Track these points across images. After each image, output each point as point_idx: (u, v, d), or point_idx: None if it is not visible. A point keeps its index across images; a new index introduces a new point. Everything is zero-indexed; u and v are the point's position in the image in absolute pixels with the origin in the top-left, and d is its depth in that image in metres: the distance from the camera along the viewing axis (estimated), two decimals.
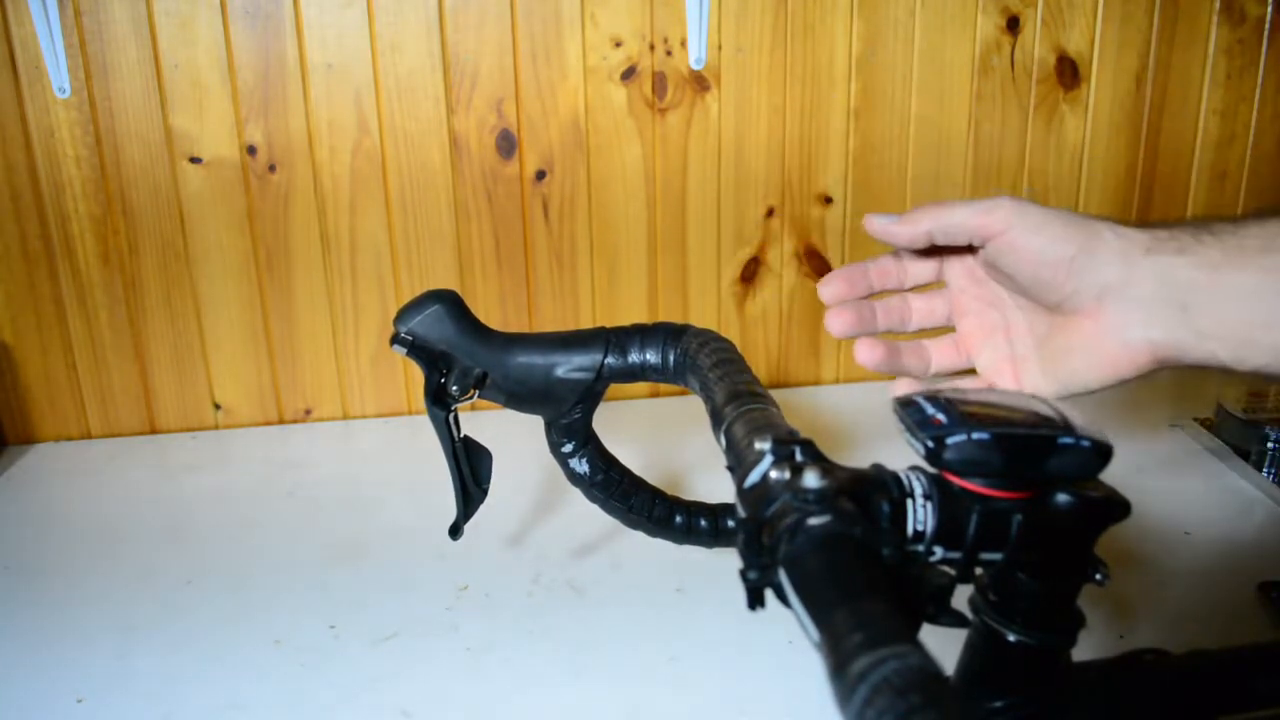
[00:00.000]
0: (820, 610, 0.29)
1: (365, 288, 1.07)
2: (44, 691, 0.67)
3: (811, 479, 0.33)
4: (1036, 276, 0.47)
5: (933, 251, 0.54)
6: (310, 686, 0.67)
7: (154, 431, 1.09)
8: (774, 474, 0.34)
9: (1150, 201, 1.15)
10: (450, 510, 0.59)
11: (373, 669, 0.68)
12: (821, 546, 0.31)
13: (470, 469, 0.59)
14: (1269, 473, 0.89)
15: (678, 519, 0.58)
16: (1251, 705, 0.43)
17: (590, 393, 0.56)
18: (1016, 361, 0.52)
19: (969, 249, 0.53)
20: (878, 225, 0.52)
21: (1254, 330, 0.42)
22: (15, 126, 0.97)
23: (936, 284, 0.56)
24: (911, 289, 0.56)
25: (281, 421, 1.10)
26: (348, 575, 0.80)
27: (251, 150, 1.01)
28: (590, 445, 0.58)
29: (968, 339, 0.55)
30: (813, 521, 0.32)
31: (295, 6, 0.97)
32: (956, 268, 0.55)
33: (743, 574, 0.33)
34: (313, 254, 1.05)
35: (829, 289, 0.54)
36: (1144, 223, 0.46)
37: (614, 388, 0.58)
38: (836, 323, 0.54)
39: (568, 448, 0.58)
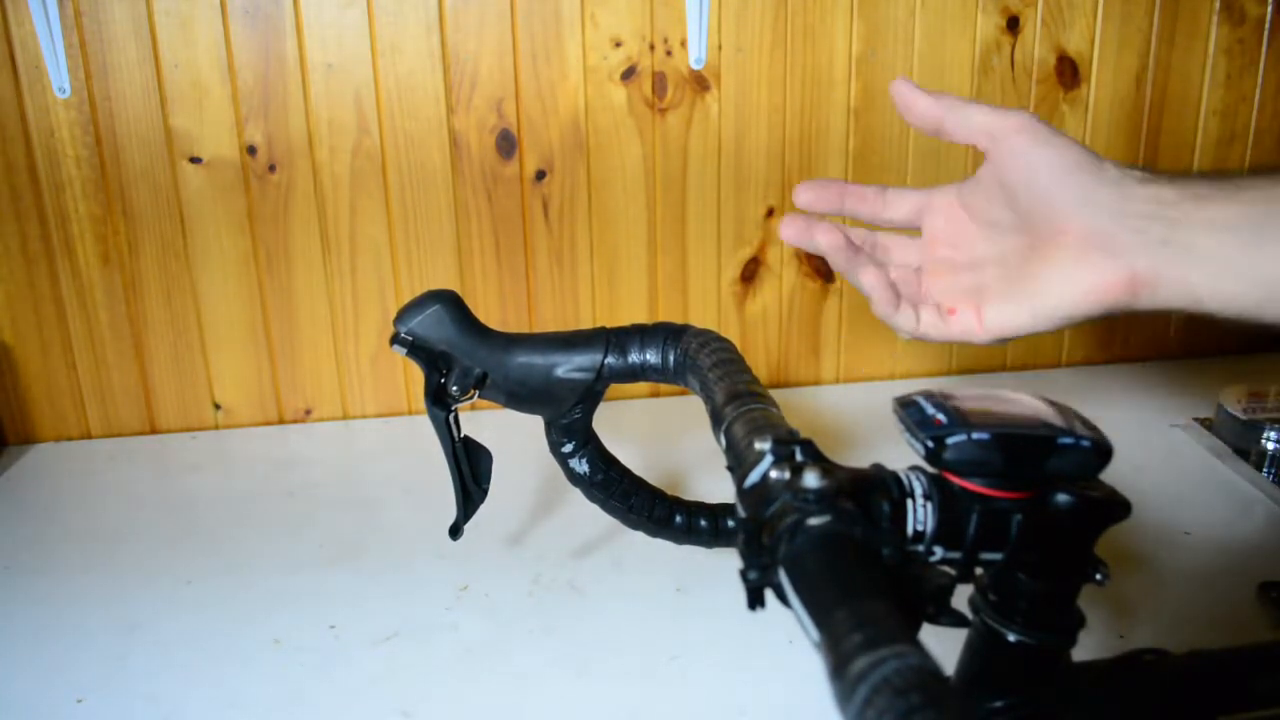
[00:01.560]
0: (820, 610, 0.29)
1: (365, 288, 1.07)
2: (44, 691, 0.67)
3: (811, 479, 0.33)
4: (1034, 185, 0.48)
5: (915, 206, 0.55)
6: (310, 686, 0.67)
7: (154, 431, 1.09)
8: (774, 474, 0.34)
9: None
10: (450, 510, 0.59)
11: (373, 669, 0.68)
12: (821, 546, 0.31)
13: (470, 469, 0.59)
14: (1269, 473, 0.89)
15: (678, 519, 0.58)
16: (1251, 705, 0.43)
17: (590, 393, 0.56)
18: (980, 292, 0.52)
19: (952, 203, 0.54)
20: (903, 88, 0.53)
21: (1231, 259, 0.43)
22: (15, 126, 0.97)
23: (911, 231, 0.56)
24: (886, 227, 0.57)
25: (281, 421, 1.10)
26: (348, 575, 0.80)
27: (251, 150, 1.01)
28: (590, 445, 0.58)
29: (930, 279, 0.55)
30: (813, 521, 0.32)
31: (295, 6, 0.97)
32: (937, 212, 0.55)
33: (743, 574, 0.33)
34: (313, 254, 1.05)
35: (802, 195, 0.55)
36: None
37: (614, 388, 0.58)
38: (789, 228, 0.54)
39: (568, 448, 0.58)
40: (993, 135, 0.49)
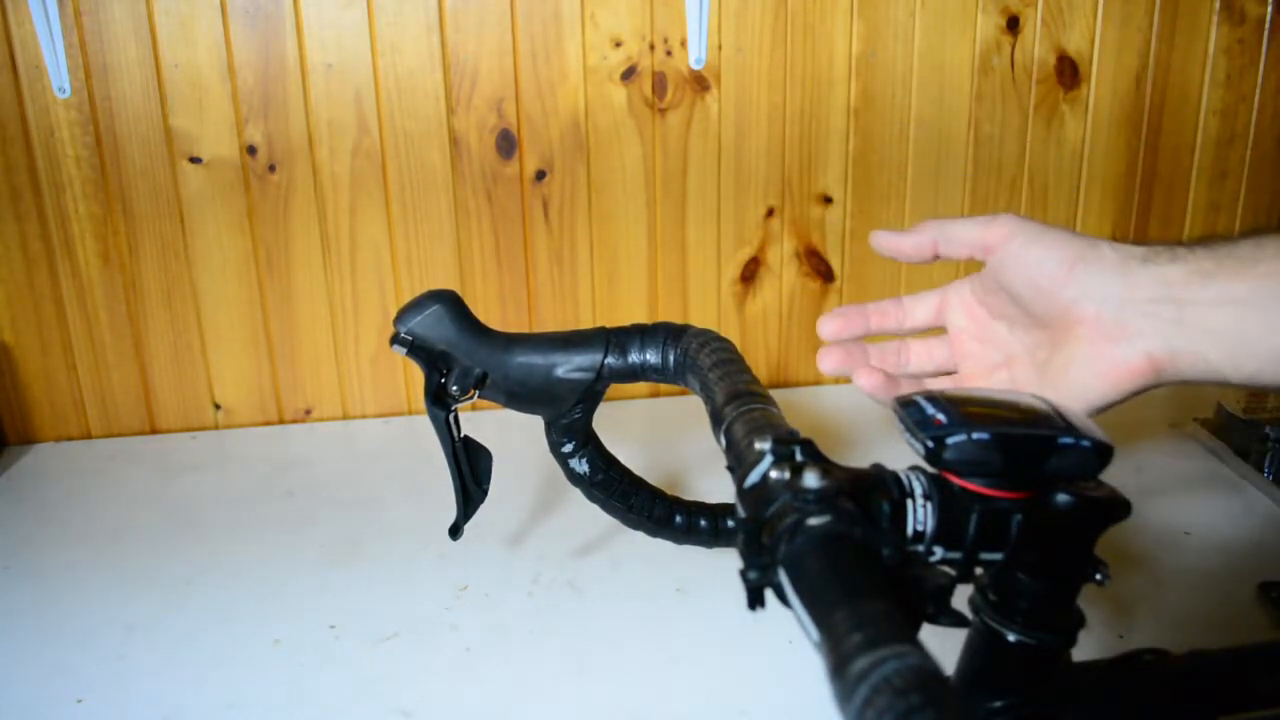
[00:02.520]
0: (820, 610, 0.29)
1: (365, 288, 1.07)
2: (44, 691, 0.67)
3: (811, 479, 0.33)
4: (1037, 285, 0.48)
5: (934, 308, 0.56)
6: (310, 686, 0.67)
7: (154, 431, 1.09)
8: (774, 474, 0.34)
9: (1150, 201, 1.15)
10: (450, 510, 0.59)
11: (373, 669, 0.68)
12: (821, 546, 0.31)
13: (470, 469, 0.59)
14: (1269, 473, 0.89)
15: (677, 519, 0.58)
16: (1251, 705, 0.43)
17: (590, 393, 0.56)
18: (1017, 385, 0.52)
19: (967, 293, 0.54)
20: (883, 239, 0.53)
21: (1247, 335, 0.42)
22: (15, 126, 0.97)
23: (936, 330, 0.57)
24: (911, 334, 0.57)
25: (281, 421, 1.10)
26: (348, 575, 0.80)
27: (251, 150, 1.01)
28: (590, 445, 0.58)
29: (969, 381, 0.55)
30: (813, 521, 0.32)
31: (295, 6, 0.97)
32: (956, 310, 0.56)
33: (743, 574, 0.33)
34: (313, 254, 1.05)
35: (827, 326, 0.56)
36: (1139, 243, 0.47)
37: (614, 388, 0.58)
38: (827, 360, 0.56)
39: (568, 448, 0.58)
40: (984, 246, 0.50)
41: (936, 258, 0.52)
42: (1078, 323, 0.47)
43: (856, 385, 0.54)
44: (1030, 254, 0.48)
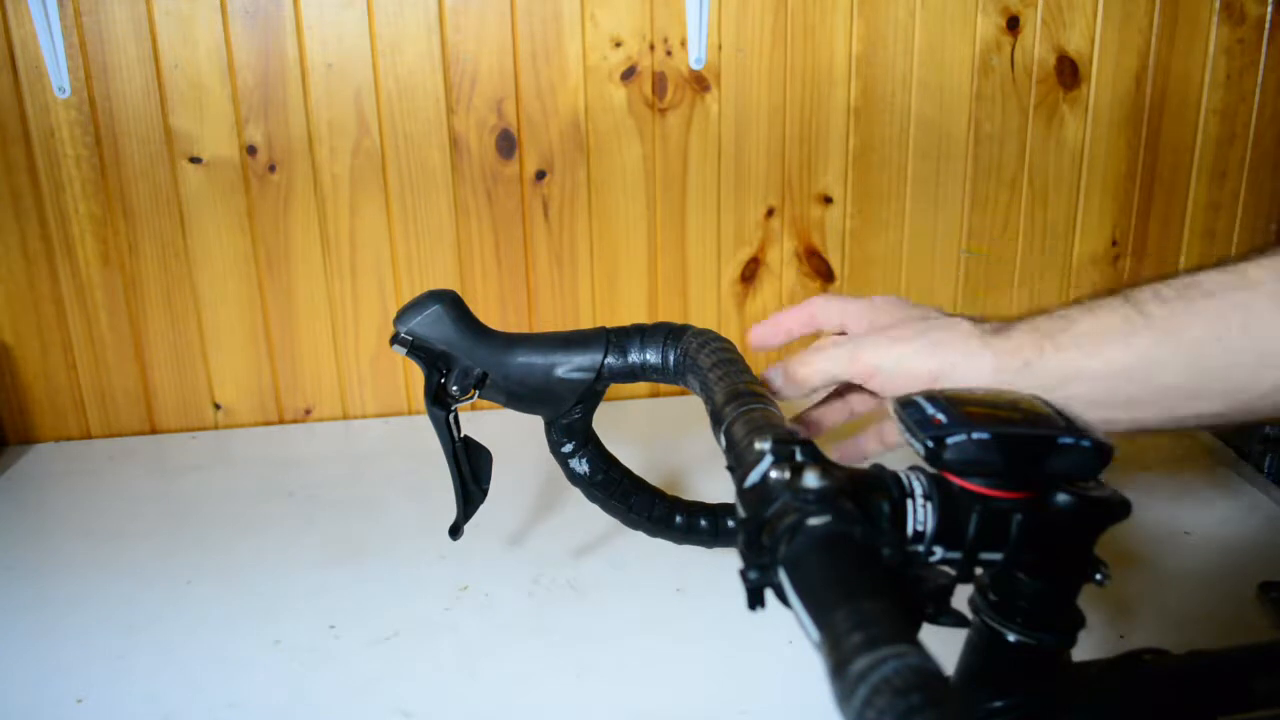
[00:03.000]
0: (820, 610, 0.29)
1: (365, 288, 1.07)
2: (44, 691, 0.67)
3: (812, 479, 0.33)
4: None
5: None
6: (310, 686, 0.67)
7: (154, 431, 1.09)
8: (774, 474, 0.34)
9: (1150, 201, 1.15)
10: (450, 510, 0.59)
11: (373, 669, 0.68)
12: (822, 546, 0.31)
13: (470, 469, 0.59)
14: (1269, 473, 0.89)
15: (677, 519, 0.58)
16: (1251, 705, 0.43)
17: (590, 392, 0.56)
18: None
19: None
20: (757, 338, 0.59)
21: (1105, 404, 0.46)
22: (15, 126, 0.97)
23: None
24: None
25: (281, 421, 1.10)
26: (348, 575, 0.80)
27: (251, 150, 1.01)
28: (590, 445, 0.58)
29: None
30: (813, 521, 0.32)
31: (295, 6, 0.97)
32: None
33: (743, 574, 0.33)
34: (313, 254, 1.05)
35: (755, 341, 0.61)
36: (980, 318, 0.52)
37: (614, 388, 0.58)
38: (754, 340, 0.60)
39: (568, 448, 0.57)
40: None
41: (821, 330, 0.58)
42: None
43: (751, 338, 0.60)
44: (897, 384, 0.51)
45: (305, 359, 1.09)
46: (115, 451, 1.05)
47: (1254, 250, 0.45)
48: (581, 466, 0.58)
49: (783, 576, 0.31)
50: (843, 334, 0.57)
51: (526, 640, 0.71)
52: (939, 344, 0.49)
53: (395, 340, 0.54)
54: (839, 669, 0.26)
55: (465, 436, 0.58)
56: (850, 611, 0.28)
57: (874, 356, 0.51)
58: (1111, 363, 0.45)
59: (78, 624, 0.74)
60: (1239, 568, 0.76)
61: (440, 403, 0.55)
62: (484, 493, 0.60)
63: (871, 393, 0.55)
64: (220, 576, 0.80)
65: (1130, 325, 0.45)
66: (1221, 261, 0.45)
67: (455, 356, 0.55)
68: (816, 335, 0.61)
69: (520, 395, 0.55)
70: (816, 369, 0.53)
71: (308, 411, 1.11)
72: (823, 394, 0.61)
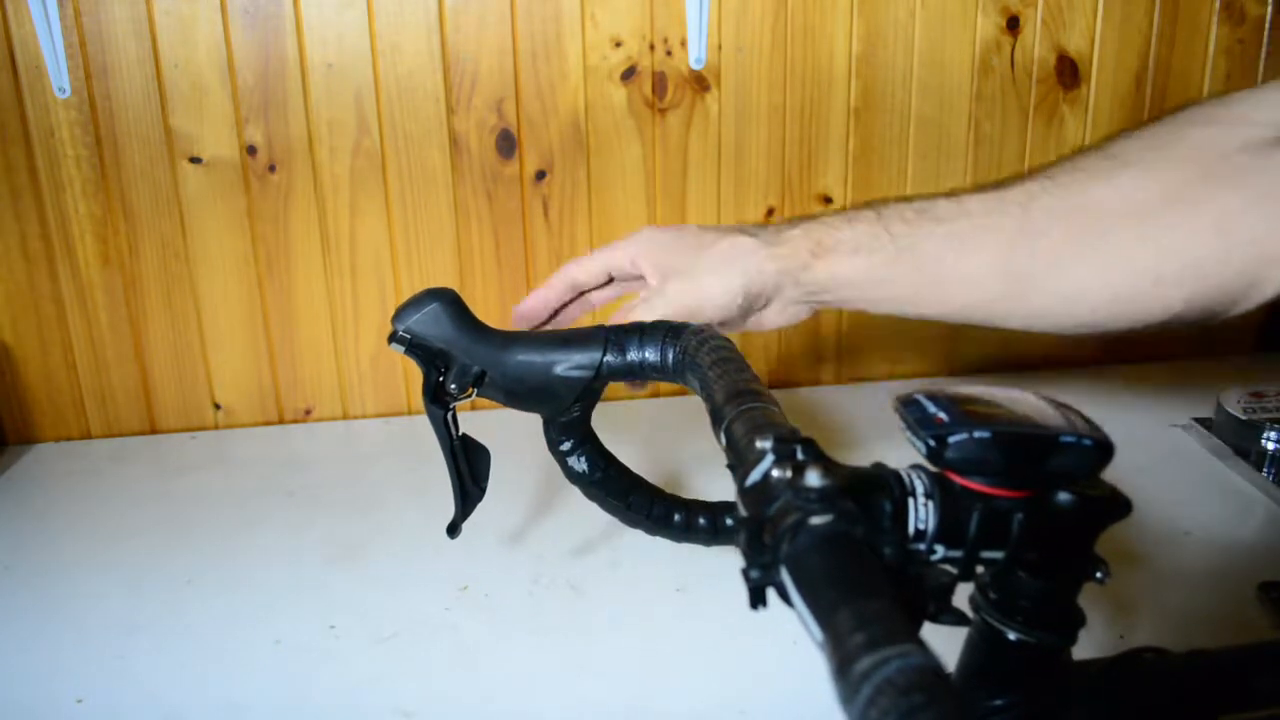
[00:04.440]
0: (823, 610, 0.29)
1: (365, 288, 1.07)
2: (44, 691, 0.67)
3: (814, 478, 0.33)
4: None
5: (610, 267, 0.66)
6: (310, 686, 0.67)
7: (154, 431, 1.09)
8: (775, 473, 0.34)
9: None
10: (450, 509, 0.59)
11: (373, 669, 0.68)
12: (824, 545, 0.31)
13: (469, 468, 0.59)
14: (1269, 473, 0.89)
15: (676, 517, 0.58)
16: (1252, 705, 0.43)
17: (589, 391, 0.56)
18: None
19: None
20: (524, 308, 0.65)
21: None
22: (15, 126, 0.97)
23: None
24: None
25: (281, 421, 1.10)
26: (348, 575, 0.79)
27: (251, 150, 1.01)
28: (589, 443, 0.58)
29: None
30: (815, 520, 0.32)
31: (295, 6, 0.97)
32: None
33: (745, 573, 0.33)
34: (313, 254, 1.05)
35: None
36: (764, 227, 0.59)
37: (612, 387, 0.58)
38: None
39: (566, 446, 0.57)
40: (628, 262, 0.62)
41: (580, 292, 0.64)
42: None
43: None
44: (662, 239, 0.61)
45: (305, 359, 1.09)
46: (115, 451, 1.05)
47: (983, 185, 0.54)
48: (580, 465, 0.57)
49: (785, 576, 0.31)
50: (637, 279, 0.63)
51: (526, 639, 0.71)
52: (731, 266, 0.57)
53: (393, 338, 0.54)
54: (842, 668, 0.26)
55: (463, 435, 0.58)
56: (853, 611, 0.28)
57: (686, 298, 0.58)
58: (861, 270, 0.55)
59: (78, 624, 0.74)
60: (1239, 567, 0.76)
61: (438, 401, 0.55)
62: (482, 491, 0.60)
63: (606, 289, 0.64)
64: (220, 576, 0.80)
65: (877, 241, 0.54)
66: (954, 191, 0.54)
67: (453, 354, 0.55)
68: (579, 297, 0.68)
69: (519, 393, 0.55)
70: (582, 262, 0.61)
71: (308, 411, 1.11)
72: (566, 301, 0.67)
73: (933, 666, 0.25)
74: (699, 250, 0.58)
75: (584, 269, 0.64)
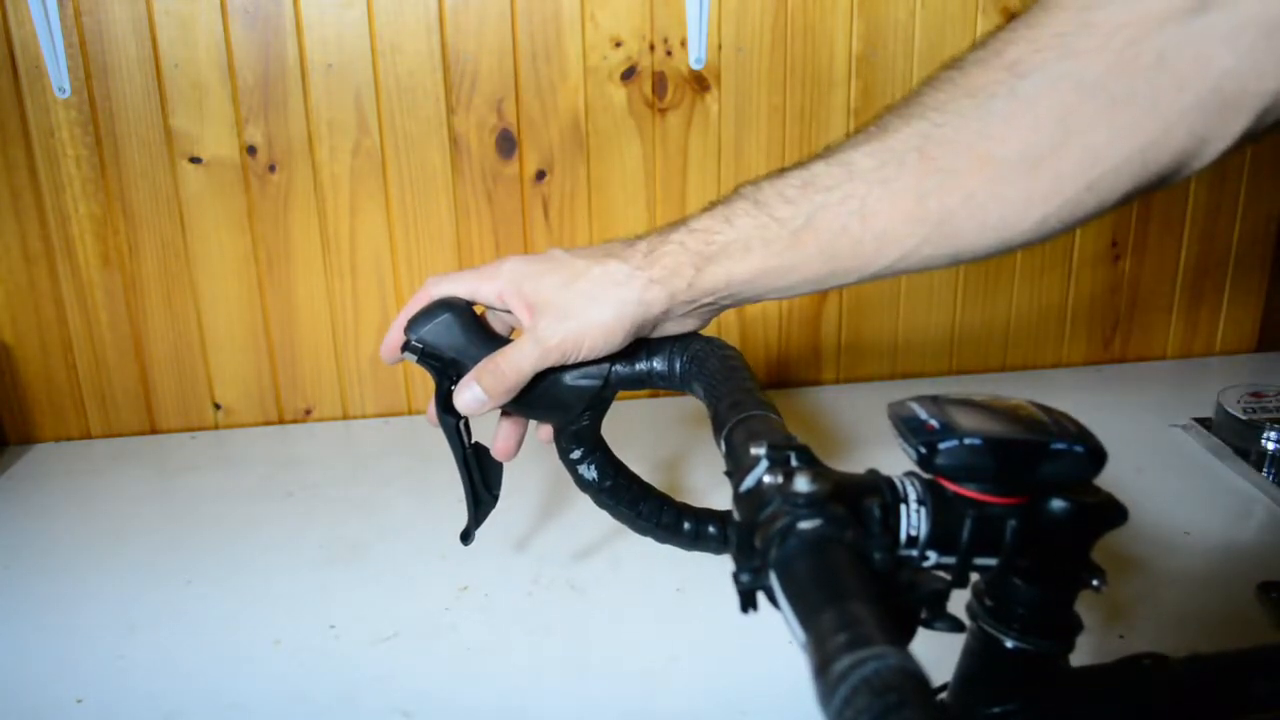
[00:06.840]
0: (807, 611, 0.29)
1: (365, 288, 1.07)
2: (44, 691, 0.67)
3: (803, 483, 0.33)
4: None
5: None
6: (310, 686, 0.67)
7: (154, 431, 1.09)
8: (768, 478, 0.35)
9: (1150, 202, 1.15)
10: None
11: (373, 669, 0.68)
12: (811, 549, 0.31)
13: (481, 476, 0.59)
14: (1269, 473, 0.89)
15: (685, 525, 0.58)
16: (1250, 709, 0.43)
17: (598, 400, 0.56)
18: None
19: None
20: (385, 349, 0.58)
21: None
22: (15, 126, 0.97)
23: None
24: None
25: (281, 421, 1.11)
26: (348, 575, 0.80)
27: (251, 150, 1.01)
28: (599, 452, 0.58)
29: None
30: (803, 525, 0.32)
31: (295, 6, 0.97)
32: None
33: (735, 577, 0.33)
34: (313, 253, 1.05)
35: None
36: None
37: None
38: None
39: (576, 454, 0.57)
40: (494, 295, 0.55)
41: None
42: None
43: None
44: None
45: (305, 359, 1.09)
46: (115, 451, 1.05)
47: (855, 134, 0.49)
48: (590, 473, 0.57)
49: (773, 579, 0.32)
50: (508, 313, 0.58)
51: (526, 639, 0.71)
52: (605, 296, 0.52)
53: (406, 347, 0.55)
54: (821, 669, 0.26)
55: (476, 443, 0.58)
56: (836, 613, 0.28)
57: (559, 337, 0.52)
58: (757, 266, 0.50)
59: (78, 624, 0.74)
60: (1238, 568, 0.76)
61: (451, 410, 0.55)
62: (495, 498, 0.60)
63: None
64: (220, 576, 0.80)
65: (766, 232, 0.49)
66: (827, 149, 0.49)
67: (465, 364, 0.55)
68: None
69: (529, 402, 0.55)
70: (518, 371, 0.53)
71: (308, 411, 1.11)
72: None
73: (909, 668, 0.25)
74: (570, 281, 0.53)
75: (449, 289, 0.58)
